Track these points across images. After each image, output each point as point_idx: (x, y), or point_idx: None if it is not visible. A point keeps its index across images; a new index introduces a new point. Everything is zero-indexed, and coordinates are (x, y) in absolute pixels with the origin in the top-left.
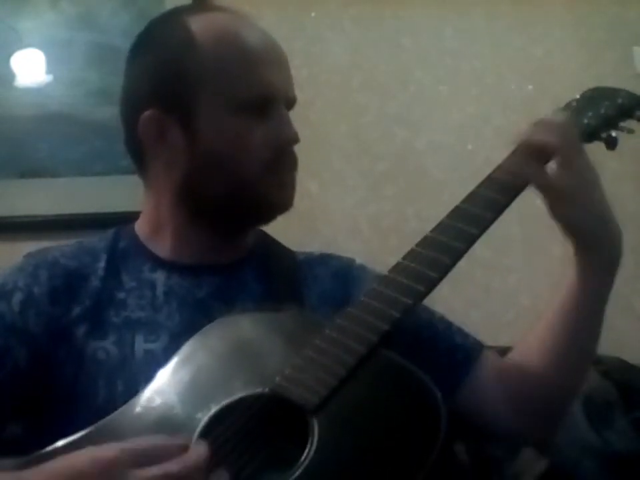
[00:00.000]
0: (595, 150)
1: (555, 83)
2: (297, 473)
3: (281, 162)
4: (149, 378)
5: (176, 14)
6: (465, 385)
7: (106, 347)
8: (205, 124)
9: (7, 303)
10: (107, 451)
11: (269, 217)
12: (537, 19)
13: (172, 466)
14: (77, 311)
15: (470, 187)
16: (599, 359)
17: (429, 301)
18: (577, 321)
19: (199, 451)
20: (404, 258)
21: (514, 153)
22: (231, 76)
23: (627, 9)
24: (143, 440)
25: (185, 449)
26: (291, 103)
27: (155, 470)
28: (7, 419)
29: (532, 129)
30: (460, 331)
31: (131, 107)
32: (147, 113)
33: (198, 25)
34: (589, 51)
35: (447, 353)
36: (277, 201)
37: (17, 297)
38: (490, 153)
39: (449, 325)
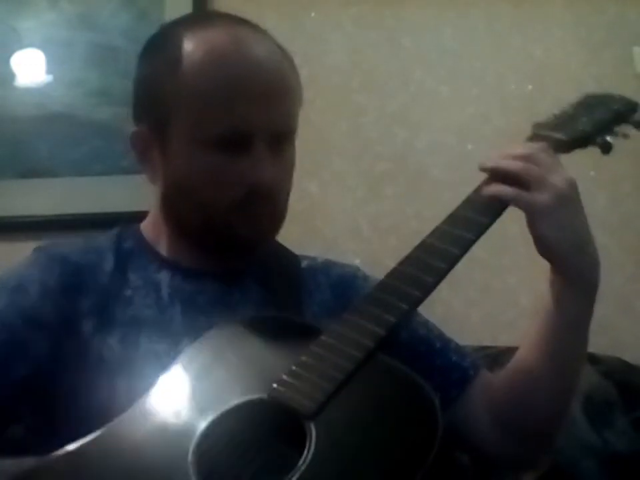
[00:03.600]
0: (595, 152)
1: (555, 83)
2: (294, 478)
3: (251, 202)
4: (150, 378)
5: (180, 25)
6: (457, 404)
7: (111, 343)
8: (177, 150)
9: (25, 296)
10: None
11: (248, 247)
12: (537, 19)
13: None
14: (85, 305)
15: (470, 186)
16: (598, 358)
17: (429, 302)
18: (555, 347)
19: None
20: (400, 263)
21: (487, 180)
22: (205, 107)
23: (627, 8)
24: None
25: None
26: (280, 136)
27: None
28: (23, 413)
29: (497, 158)
30: (458, 349)
31: (132, 118)
32: (135, 128)
33: (190, 43)
34: (589, 50)
35: (442, 371)
36: (251, 234)
37: (34, 289)
38: (490, 153)
39: (447, 342)
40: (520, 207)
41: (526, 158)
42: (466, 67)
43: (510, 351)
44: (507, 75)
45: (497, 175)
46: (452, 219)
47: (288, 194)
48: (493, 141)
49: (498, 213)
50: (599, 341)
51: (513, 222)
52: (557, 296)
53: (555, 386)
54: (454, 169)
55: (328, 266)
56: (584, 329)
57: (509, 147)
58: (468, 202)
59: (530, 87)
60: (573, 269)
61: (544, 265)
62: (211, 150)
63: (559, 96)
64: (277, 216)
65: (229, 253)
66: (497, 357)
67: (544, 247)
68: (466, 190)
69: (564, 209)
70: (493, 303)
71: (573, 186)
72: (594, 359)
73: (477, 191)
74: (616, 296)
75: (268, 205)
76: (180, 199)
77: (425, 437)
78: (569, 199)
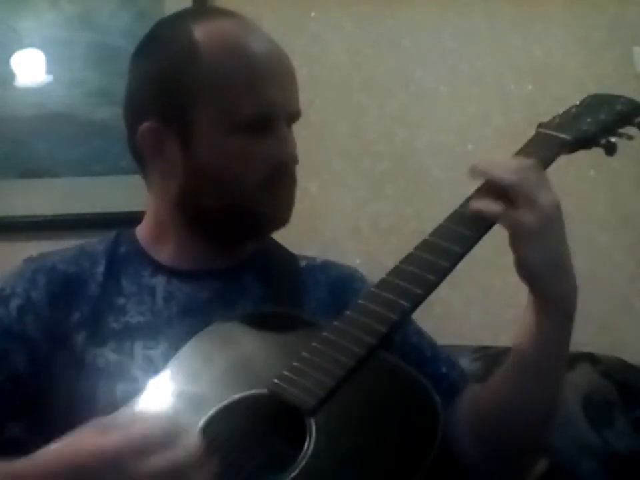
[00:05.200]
0: (596, 152)
1: (555, 82)
2: (294, 474)
3: (277, 180)
4: (147, 384)
5: (182, 18)
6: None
7: (105, 354)
8: (201, 139)
9: (5, 308)
10: (108, 442)
11: (265, 231)
12: (537, 19)
13: (177, 453)
14: (75, 317)
15: (470, 186)
16: (598, 358)
17: (428, 302)
18: (532, 374)
19: (197, 440)
20: (402, 262)
21: (477, 191)
22: (232, 93)
23: (627, 9)
24: (143, 427)
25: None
26: (293, 117)
27: (159, 461)
28: (5, 422)
29: (491, 168)
30: (448, 360)
31: (132, 113)
32: (146, 123)
33: (202, 33)
34: (589, 51)
35: (431, 380)
36: (273, 217)
37: (15, 302)
38: (490, 153)
39: (438, 352)
40: (505, 226)
41: (517, 173)
42: (466, 67)
43: (510, 351)
44: (507, 75)
45: (485, 187)
46: (453, 217)
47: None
48: (493, 140)
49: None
50: (599, 341)
51: None
52: (534, 321)
53: (531, 412)
54: (454, 169)
55: (326, 266)
56: (561, 355)
57: (499, 158)
58: (463, 207)
59: (530, 86)
60: (552, 294)
61: None
62: (239, 132)
63: (559, 96)
64: (293, 197)
65: (245, 240)
66: (497, 357)
67: (525, 269)
68: (466, 190)
69: (549, 232)
70: (493, 302)
71: (558, 208)
72: (594, 359)
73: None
74: (616, 296)
75: (289, 183)
76: (205, 187)
77: (425, 435)
78: (555, 221)
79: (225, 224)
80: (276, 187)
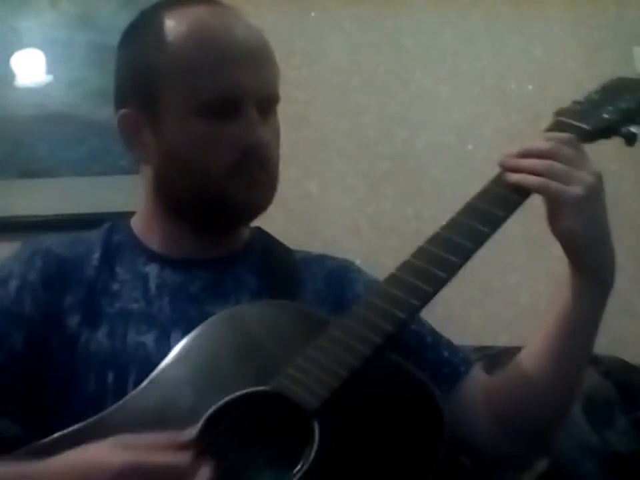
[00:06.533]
0: (596, 151)
1: (555, 82)
2: (299, 475)
3: (246, 165)
4: (139, 369)
5: (157, 9)
6: (449, 399)
7: (98, 337)
8: (170, 124)
9: (4, 289)
10: (118, 459)
11: (240, 220)
12: (537, 19)
13: None
14: (69, 299)
15: (470, 186)
16: (598, 358)
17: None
18: (565, 349)
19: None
20: (412, 256)
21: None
22: (196, 76)
23: (627, 8)
24: (160, 455)
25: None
26: (265, 102)
27: None
28: (4, 405)
29: (518, 154)
30: (449, 345)
31: (115, 103)
32: (122, 111)
33: (171, 21)
34: (588, 51)
35: (433, 366)
36: (247, 201)
37: (13, 283)
38: (490, 153)
39: (439, 338)
40: (548, 197)
41: (549, 154)
42: (466, 67)
43: (510, 351)
44: (507, 75)
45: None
46: (467, 210)
47: (277, 164)
48: (493, 141)
49: (516, 205)
50: (599, 341)
51: (513, 222)
52: (574, 295)
53: (558, 389)
54: (454, 169)
55: (322, 259)
56: (594, 331)
57: (533, 141)
58: (484, 193)
59: (530, 87)
60: (595, 263)
61: (544, 265)
62: (204, 117)
63: (559, 96)
64: (269, 184)
65: (223, 228)
66: (497, 356)
67: (569, 240)
68: (466, 190)
69: (592, 203)
70: (493, 302)
71: (600, 179)
72: (594, 359)
73: (495, 181)
74: (616, 296)
75: (261, 168)
76: (175, 173)
77: (431, 435)
78: (597, 192)
79: (198, 211)
80: (246, 173)
